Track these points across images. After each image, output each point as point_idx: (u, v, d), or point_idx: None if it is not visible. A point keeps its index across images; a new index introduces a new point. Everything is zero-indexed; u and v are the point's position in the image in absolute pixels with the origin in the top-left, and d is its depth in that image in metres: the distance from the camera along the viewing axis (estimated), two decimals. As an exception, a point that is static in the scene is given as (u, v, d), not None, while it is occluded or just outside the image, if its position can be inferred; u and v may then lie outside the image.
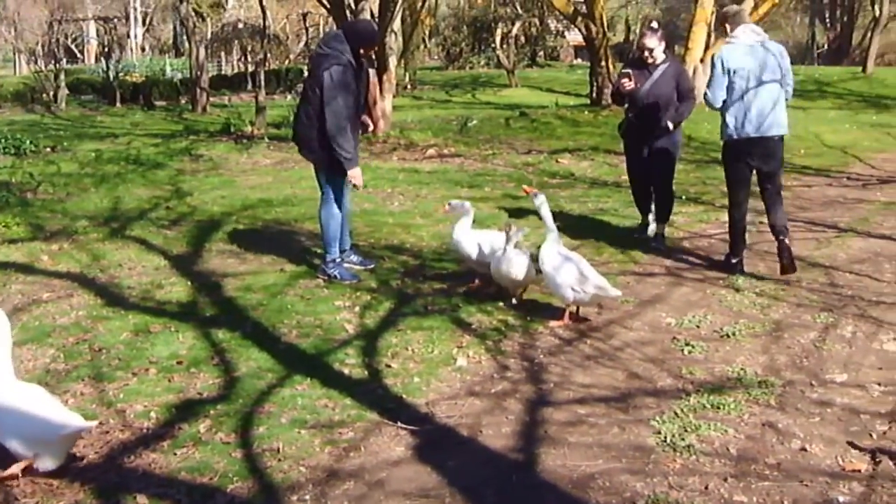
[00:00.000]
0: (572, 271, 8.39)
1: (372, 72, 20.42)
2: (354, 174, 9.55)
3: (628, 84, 10.81)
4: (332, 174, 9.66)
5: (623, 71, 11.01)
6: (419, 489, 5.61)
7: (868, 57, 39.69)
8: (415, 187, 14.96)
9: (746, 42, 9.87)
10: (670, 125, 10.81)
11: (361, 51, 9.47)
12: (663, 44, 11.02)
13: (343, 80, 9.30)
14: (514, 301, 9.02)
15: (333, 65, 9.30)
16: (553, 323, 8.45)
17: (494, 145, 19.94)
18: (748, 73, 9.76)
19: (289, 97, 32.80)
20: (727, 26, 10.02)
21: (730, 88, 9.77)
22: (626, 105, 11.35)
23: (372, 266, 10.20)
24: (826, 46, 65.88)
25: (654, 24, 11.45)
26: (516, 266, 8.86)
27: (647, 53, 10.85)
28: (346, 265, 9.96)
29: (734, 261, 10.30)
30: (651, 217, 11.35)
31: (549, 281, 8.53)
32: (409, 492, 5.58)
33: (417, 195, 14.39)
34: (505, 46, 43.89)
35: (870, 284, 9.78)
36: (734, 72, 9.73)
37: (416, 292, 9.44)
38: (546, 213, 8.76)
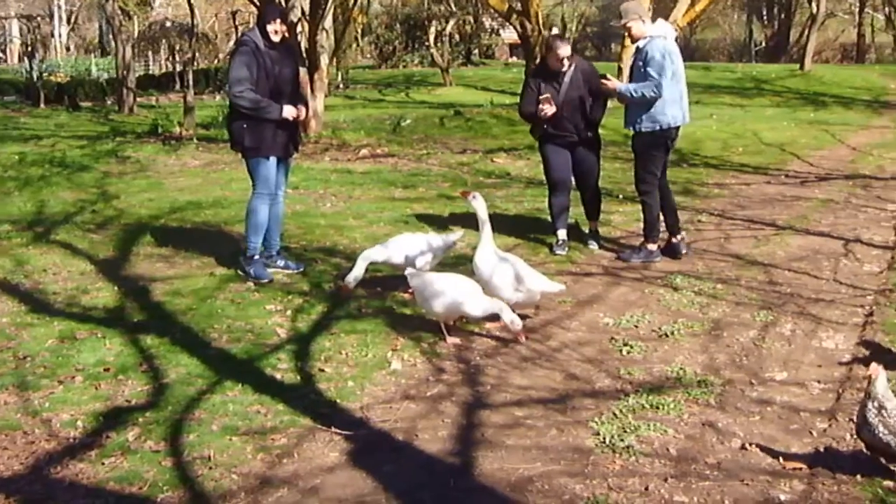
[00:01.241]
0: (508, 272, 8.41)
1: (303, 70, 20.36)
2: (285, 112, 9.62)
3: (550, 109, 10.75)
4: (258, 165, 9.72)
5: (543, 97, 10.80)
6: (354, 495, 5.59)
7: (805, 54, 40.24)
8: (347, 188, 14.93)
9: (672, 35, 10.55)
10: (617, 87, 10.71)
11: (272, 30, 9.49)
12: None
13: (246, 58, 9.46)
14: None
15: (238, 48, 9.74)
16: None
17: (429, 145, 19.98)
18: (677, 64, 10.43)
19: (218, 97, 32.64)
20: (643, 21, 10.42)
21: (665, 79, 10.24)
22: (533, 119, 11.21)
23: (301, 269, 10.16)
24: (764, 44, 66.62)
25: (557, 31, 11.49)
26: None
27: (564, 62, 10.81)
28: (270, 269, 9.97)
29: (657, 247, 10.73)
30: (563, 233, 11.26)
31: (485, 284, 8.53)
32: (344, 498, 5.56)
33: (350, 196, 14.35)
34: (439, 45, 43.94)
35: (809, 282, 9.90)
36: (672, 62, 10.29)
37: (349, 295, 9.41)
38: (483, 215, 8.76)
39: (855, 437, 6.25)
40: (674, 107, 10.36)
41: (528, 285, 8.40)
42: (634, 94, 10.22)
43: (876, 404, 5.56)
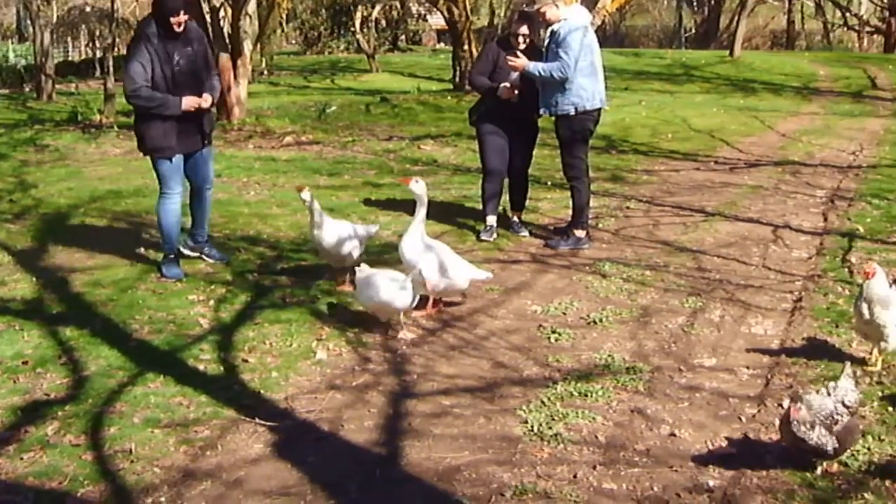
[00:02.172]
0: (434, 260, 8.42)
1: (225, 56, 20.23)
2: (185, 105, 9.27)
3: (509, 94, 10.72)
4: (160, 166, 9.49)
5: (513, 84, 10.72)
6: (279, 487, 5.59)
7: (735, 41, 40.58)
8: (271, 176, 14.86)
9: (589, 19, 10.72)
10: (525, 65, 10.57)
11: (175, 22, 9.12)
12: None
13: (139, 53, 9.12)
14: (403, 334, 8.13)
15: (132, 41, 9.39)
16: (417, 313, 8.45)
17: (354, 132, 19.92)
18: (594, 48, 10.53)
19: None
20: (556, 5, 10.45)
21: (583, 62, 10.35)
22: (485, 93, 11.24)
23: (226, 260, 10.08)
24: (693, 30, 67.14)
25: (526, 8, 11.47)
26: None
27: (521, 39, 10.84)
28: (193, 253, 10.00)
29: (585, 234, 10.86)
30: (493, 219, 11.29)
31: (411, 269, 8.51)
32: (269, 490, 5.55)
33: (274, 184, 14.29)
34: (365, 30, 43.83)
35: (737, 268, 10.01)
36: (588, 46, 10.40)
37: (273, 284, 9.38)
38: (424, 199, 8.75)
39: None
40: (590, 89, 10.45)
41: (453, 273, 8.42)
42: (542, 73, 10.26)
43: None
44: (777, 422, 6.08)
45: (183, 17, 9.18)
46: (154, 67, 9.12)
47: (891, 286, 7.24)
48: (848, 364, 5.92)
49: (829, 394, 5.62)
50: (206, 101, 9.43)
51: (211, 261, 9.98)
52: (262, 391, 6.94)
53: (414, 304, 7.99)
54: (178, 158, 9.49)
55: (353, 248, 9.11)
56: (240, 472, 5.77)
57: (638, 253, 10.52)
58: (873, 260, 9.36)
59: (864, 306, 7.10)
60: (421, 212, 8.72)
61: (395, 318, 8.05)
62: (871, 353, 7.42)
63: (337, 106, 23.72)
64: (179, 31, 9.22)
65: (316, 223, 9.03)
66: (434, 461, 5.89)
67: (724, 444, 6.14)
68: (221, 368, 7.39)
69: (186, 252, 9.95)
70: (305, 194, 8.97)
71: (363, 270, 8.23)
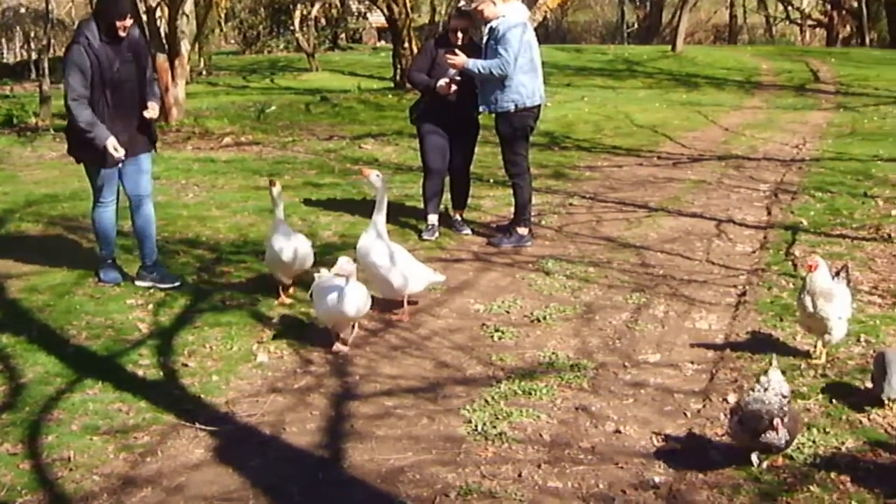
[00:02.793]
0: (398, 262, 8.38)
1: (163, 57, 20.10)
2: (108, 146, 8.76)
3: (448, 89, 10.71)
4: (92, 175, 9.17)
5: (452, 80, 10.73)
6: (221, 492, 5.58)
7: (677, 35, 40.80)
8: (210, 177, 14.77)
9: (527, 14, 10.84)
10: (464, 62, 10.50)
11: (120, 26, 8.76)
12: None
13: (79, 58, 8.69)
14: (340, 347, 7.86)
15: (71, 44, 8.92)
16: (394, 317, 8.49)
17: (294, 132, 19.85)
18: (533, 44, 10.60)
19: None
20: (494, 2, 10.46)
21: (522, 59, 10.39)
22: (424, 90, 11.23)
23: (177, 284, 9.44)
24: (636, 25, 67.50)
25: (463, 5, 11.48)
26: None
27: (459, 36, 10.84)
28: (146, 283, 9.41)
29: (528, 231, 10.91)
30: (435, 218, 11.31)
31: (372, 270, 8.49)
32: (211, 495, 5.53)
33: (213, 186, 14.21)
34: (305, 29, 43.63)
35: (681, 263, 10.09)
36: (528, 42, 10.47)
37: (213, 287, 9.33)
38: (382, 197, 8.64)
39: (728, 416, 6.40)
40: (529, 86, 10.51)
41: (414, 275, 8.42)
42: (482, 71, 10.29)
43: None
44: (724, 420, 6.16)
45: (129, 22, 8.87)
46: (94, 73, 8.75)
47: (834, 279, 7.33)
48: (775, 357, 5.95)
49: (765, 389, 5.65)
50: (153, 110, 9.17)
51: (162, 286, 9.40)
52: (202, 395, 6.91)
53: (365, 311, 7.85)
54: (112, 168, 9.11)
55: (305, 260, 8.91)
56: (180, 477, 5.74)
57: (581, 249, 10.57)
58: (816, 253, 9.47)
59: (808, 299, 7.17)
60: (381, 211, 8.60)
61: (347, 329, 7.86)
62: (815, 347, 7.50)
63: (277, 106, 23.62)
64: (123, 36, 8.88)
65: (274, 226, 8.83)
66: (377, 463, 5.89)
67: (670, 439, 6.18)
68: (161, 373, 7.35)
69: (139, 283, 9.47)
70: (276, 190, 8.80)
71: (322, 276, 7.96)
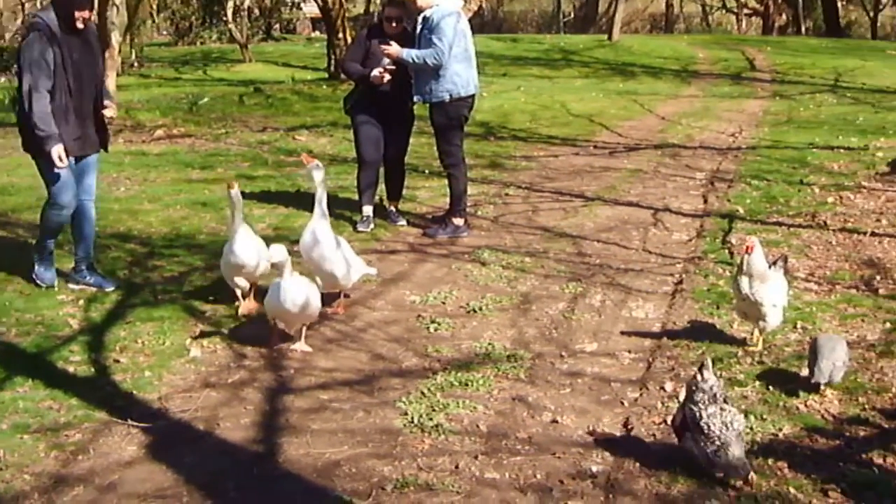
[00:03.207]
0: (342, 255, 8.32)
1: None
2: (53, 153, 8.41)
3: (384, 77, 10.69)
4: (44, 166, 8.72)
5: (385, 69, 10.71)
6: (155, 489, 5.54)
7: (614, 25, 40.94)
8: (142, 171, 14.66)
9: (460, 4, 10.80)
10: (399, 52, 10.51)
11: (80, 17, 8.48)
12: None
13: (41, 49, 8.38)
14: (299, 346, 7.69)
15: (29, 34, 8.57)
16: (329, 310, 8.40)
17: (228, 124, 19.74)
18: (467, 33, 10.65)
19: (2, 79, 31.65)
20: None
21: (456, 48, 10.44)
22: (358, 79, 11.22)
23: (112, 287, 9.16)
24: (572, 15, 67.63)
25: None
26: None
27: (394, 24, 10.82)
28: (79, 286, 9.15)
29: (463, 222, 10.94)
30: (369, 209, 11.28)
31: (316, 264, 8.40)
32: (144, 493, 5.49)
33: (145, 179, 14.10)
34: (238, 19, 43.35)
35: (618, 252, 10.16)
36: (462, 31, 10.52)
37: (145, 281, 9.26)
38: (323, 188, 8.43)
39: (665, 404, 6.46)
40: (464, 75, 10.55)
41: (354, 267, 8.38)
42: (416, 60, 10.29)
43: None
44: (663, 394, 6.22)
45: (87, 13, 8.62)
46: (56, 65, 8.45)
47: (771, 267, 7.40)
48: (708, 359, 5.98)
49: (715, 399, 5.64)
50: (112, 109, 9.08)
51: (94, 290, 9.16)
52: (134, 392, 6.85)
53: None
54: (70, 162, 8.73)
55: (262, 266, 8.40)
56: (113, 475, 5.69)
57: (517, 240, 10.61)
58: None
59: (744, 281, 7.24)
60: (322, 199, 8.38)
61: (297, 327, 7.70)
62: (751, 334, 7.57)
63: (209, 97, 23.48)
64: (80, 28, 8.60)
65: (233, 230, 8.29)
66: (313, 457, 5.89)
67: (607, 428, 6.22)
68: (92, 370, 7.28)
69: (71, 286, 9.22)
70: (234, 192, 8.22)
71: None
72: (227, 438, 6.18)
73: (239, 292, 8.49)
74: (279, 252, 7.28)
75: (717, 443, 5.41)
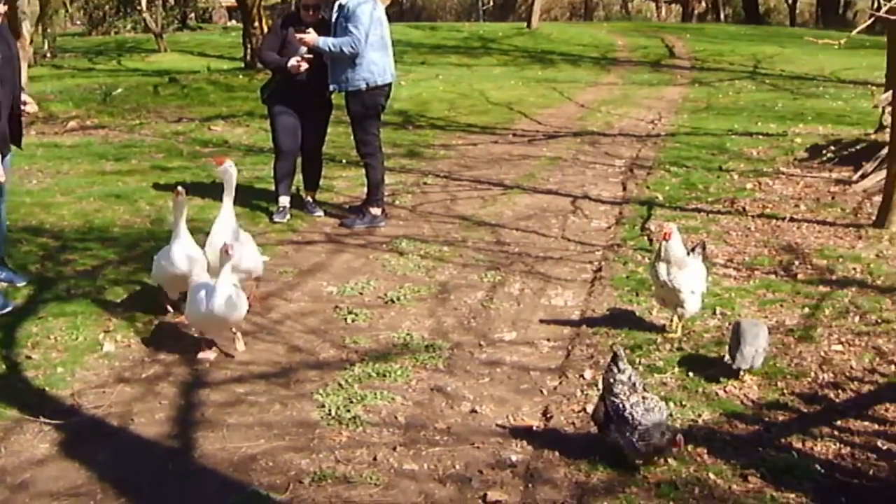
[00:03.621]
0: (250, 248, 8.23)
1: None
2: None
3: (301, 66, 10.62)
4: None
5: (303, 57, 10.65)
6: (68, 488, 5.49)
7: (532, 12, 41.04)
8: (55, 163, 14.48)
9: None
10: (315, 41, 10.44)
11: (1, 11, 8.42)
12: None
13: None
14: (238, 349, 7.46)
15: None
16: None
17: (142, 114, 19.56)
18: (383, 21, 10.61)
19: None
20: None
21: (373, 36, 10.39)
22: (275, 69, 11.14)
23: (24, 282, 8.99)
24: (491, 3, 67.76)
25: None
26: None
27: (311, 12, 10.76)
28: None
29: (381, 212, 10.93)
30: (286, 199, 11.23)
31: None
32: (57, 491, 5.44)
33: (58, 171, 13.92)
34: (152, 9, 43.01)
35: (537, 240, 10.20)
36: (378, 19, 10.47)
37: (57, 276, 9.14)
38: (231, 186, 8.27)
39: (585, 392, 6.50)
40: (381, 64, 10.52)
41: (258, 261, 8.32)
42: (333, 49, 10.25)
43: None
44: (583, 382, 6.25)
45: (4, 8, 8.51)
46: None
47: (689, 254, 7.46)
48: (620, 349, 6.02)
49: (636, 390, 5.68)
50: (32, 105, 8.97)
51: (4, 284, 8.99)
52: (46, 388, 6.78)
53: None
54: None
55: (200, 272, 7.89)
56: (25, 474, 5.64)
57: (435, 229, 10.63)
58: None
59: (662, 268, 7.29)
60: (229, 197, 8.23)
61: (222, 334, 7.50)
62: (670, 321, 7.62)
63: (124, 88, 23.24)
64: None
65: (174, 236, 7.87)
66: (229, 451, 5.86)
67: (526, 417, 6.25)
68: (3, 366, 7.18)
69: None
70: (181, 199, 7.82)
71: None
72: (142, 434, 6.13)
73: (167, 303, 8.18)
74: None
75: (642, 431, 5.45)
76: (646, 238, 10.12)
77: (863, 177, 12.47)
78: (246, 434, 6.06)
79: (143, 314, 8.14)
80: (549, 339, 7.54)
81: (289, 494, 5.38)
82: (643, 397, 5.57)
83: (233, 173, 8.28)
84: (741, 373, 6.69)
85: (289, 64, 10.55)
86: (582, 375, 6.82)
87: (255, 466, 5.67)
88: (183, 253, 7.80)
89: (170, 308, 8.18)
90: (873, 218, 10.62)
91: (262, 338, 7.61)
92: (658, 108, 20.26)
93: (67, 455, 5.86)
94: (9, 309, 8.23)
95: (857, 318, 7.86)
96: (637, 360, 7.05)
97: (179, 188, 7.84)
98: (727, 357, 6.84)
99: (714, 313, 7.98)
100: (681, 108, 20.16)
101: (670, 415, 6.04)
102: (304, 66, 10.55)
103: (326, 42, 10.27)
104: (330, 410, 6.31)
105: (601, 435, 5.71)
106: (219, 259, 7.13)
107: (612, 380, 5.66)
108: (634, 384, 5.64)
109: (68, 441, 6.04)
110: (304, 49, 10.49)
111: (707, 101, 21.05)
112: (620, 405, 5.54)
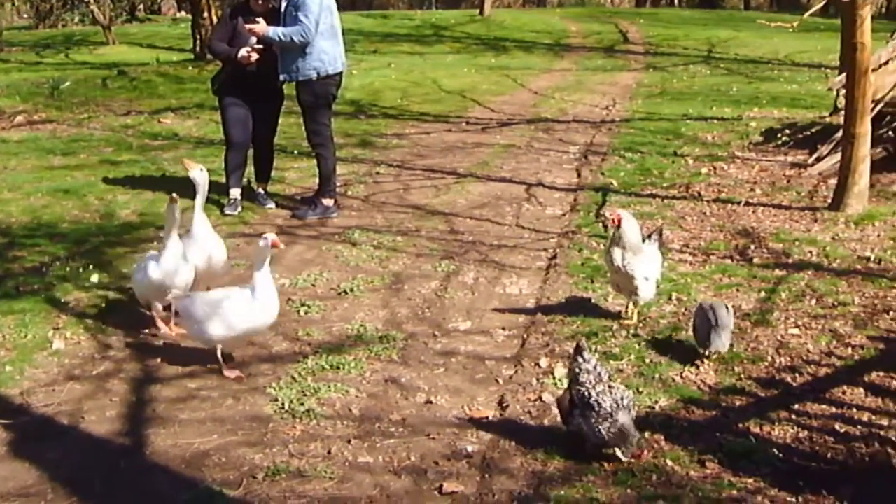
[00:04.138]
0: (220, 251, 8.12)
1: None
2: None
3: (252, 57, 10.57)
4: None
5: (253, 48, 10.58)
6: (18, 488, 5.45)
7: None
8: (2, 158, 14.34)
9: None
10: (265, 31, 10.37)
11: None
12: None
13: None
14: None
15: None
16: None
17: (90, 108, 19.42)
18: (332, 9, 10.58)
19: None
20: None
21: (323, 24, 10.37)
22: (225, 59, 11.08)
23: None
24: (443, -10, 67.71)
25: None
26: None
27: (261, 1, 10.70)
28: None
29: (333, 202, 10.91)
30: (237, 192, 11.17)
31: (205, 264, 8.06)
32: (6, 492, 5.40)
33: (5, 167, 13.80)
34: (100, 1, 42.79)
35: (491, 228, 10.21)
36: (328, 7, 10.46)
37: (5, 273, 9.06)
38: (202, 191, 8.00)
39: (540, 381, 6.51)
40: (331, 53, 10.49)
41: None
42: (283, 38, 10.20)
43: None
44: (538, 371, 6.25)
45: None
46: None
47: (645, 240, 7.48)
48: (583, 340, 6.01)
49: (601, 377, 5.68)
50: None
51: None
52: (-6, 388, 6.73)
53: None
54: None
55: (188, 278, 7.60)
56: (-27, 475, 5.59)
57: (389, 219, 10.61)
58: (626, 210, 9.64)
59: (617, 254, 7.31)
60: (199, 201, 7.96)
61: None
62: (626, 307, 7.64)
63: (72, 82, 23.07)
64: None
65: (164, 245, 7.47)
66: (181, 447, 5.84)
67: (482, 407, 6.25)
68: (-50, 366, 7.13)
69: None
70: (176, 207, 7.39)
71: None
72: (93, 432, 6.10)
73: (156, 314, 7.68)
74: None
75: (609, 419, 5.45)
76: (600, 224, 10.13)
77: (818, 160, 12.55)
78: (198, 430, 6.04)
79: (93, 310, 8.09)
80: (504, 328, 7.54)
81: (242, 490, 5.36)
82: (609, 386, 5.58)
83: (203, 178, 8.06)
84: (708, 356, 6.74)
85: (239, 55, 10.50)
86: (537, 364, 6.84)
87: (208, 462, 5.66)
88: (173, 262, 7.43)
89: (161, 325, 7.65)
90: (829, 201, 10.70)
91: (215, 332, 7.56)
92: (612, 93, 20.31)
93: (17, 455, 5.82)
94: None
95: (813, 302, 7.92)
96: (593, 347, 7.08)
97: (174, 195, 7.43)
98: (695, 341, 6.87)
99: (670, 299, 8.02)
100: (635, 94, 20.22)
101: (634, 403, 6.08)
102: (254, 56, 10.49)
103: (276, 32, 10.22)
104: (283, 404, 6.29)
105: (563, 423, 5.72)
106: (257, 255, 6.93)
107: (577, 370, 5.68)
108: (600, 374, 5.66)
109: (17, 440, 5.99)
110: (253, 39, 10.44)
111: (661, 87, 21.13)
112: (586, 393, 5.55)
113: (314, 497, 5.29)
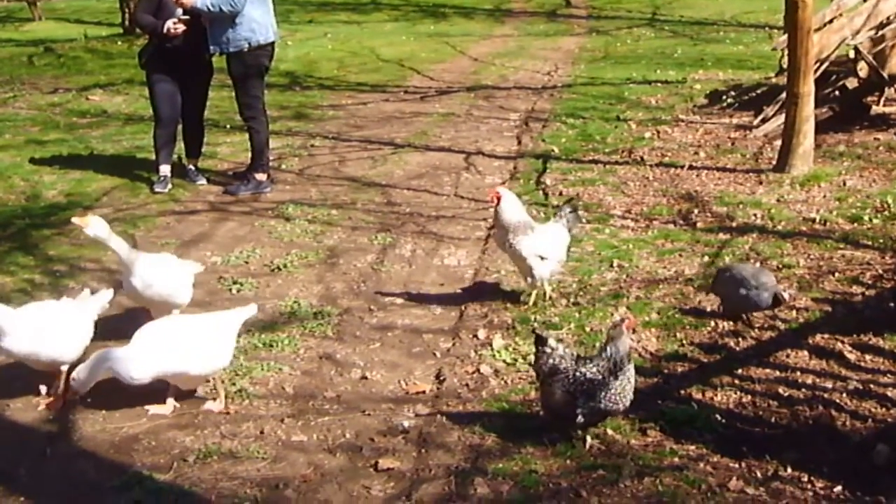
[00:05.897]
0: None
1: None
2: None
3: (178, 28, 10.46)
4: None
5: (179, 19, 10.46)
6: (-60, 479, 5.41)
7: (424, -36, 40.97)
8: (-78, 141, 14.25)
9: None
10: (193, 1, 10.34)
11: None
12: None
13: None
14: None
15: None
16: None
17: (16, 87, 19.22)
18: None
19: None
20: None
21: None
22: (151, 32, 10.98)
23: None
24: (381, -44, 67.44)
25: None
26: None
27: None
28: None
29: (266, 177, 10.89)
30: (167, 168, 11.10)
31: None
32: (-75, 491, 5.36)
33: (-75, 153, 13.69)
34: (23, -25, 42.39)
35: (429, 199, 10.23)
36: None
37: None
38: (114, 240, 6.82)
39: (479, 352, 6.53)
40: (261, 22, 10.41)
41: None
42: (211, 9, 10.10)
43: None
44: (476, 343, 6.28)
45: None
46: None
47: (552, 219, 7.52)
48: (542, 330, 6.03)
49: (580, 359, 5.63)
50: None
51: None
52: (-86, 377, 6.67)
53: None
54: None
55: (183, 290, 7.26)
56: None
57: (323, 192, 10.59)
58: (567, 180, 9.72)
59: (498, 233, 7.33)
60: (116, 246, 6.78)
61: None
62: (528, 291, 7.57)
63: (-5, 60, 22.91)
64: None
65: (125, 264, 6.88)
66: (109, 432, 5.83)
67: (419, 381, 6.28)
68: None
69: None
70: (92, 228, 6.73)
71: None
72: (18, 420, 6.08)
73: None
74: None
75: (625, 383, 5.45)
76: (541, 192, 10.16)
77: (763, 121, 12.61)
78: (127, 414, 6.02)
79: (18, 294, 8.01)
80: (441, 301, 7.56)
81: (172, 474, 5.36)
82: (588, 358, 5.55)
83: (101, 228, 6.76)
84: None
85: (165, 27, 10.41)
86: (475, 335, 6.87)
87: (138, 447, 5.65)
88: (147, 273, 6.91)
89: None
90: (774, 162, 10.75)
91: (144, 311, 7.50)
92: (554, 59, 20.28)
93: (-62, 451, 5.78)
94: None
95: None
96: (532, 317, 7.11)
97: (84, 214, 6.97)
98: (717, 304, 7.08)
99: (611, 266, 8.07)
100: (578, 59, 20.20)
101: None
102: (181, 28, 10.40)
103: (204, 2, 10.11)
104: (214, 385, 6.27)
105: (564, 423, 5.54)
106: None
107: (551, 361, 5.56)
108: (575, 355, 5.62)
109: (-61, 435, 5.96)
110: (180, 10, 10.34)
111: (605, 51, 21.12)
112: (582, 378, 5.42)
113: (246, 478, 5.30)
